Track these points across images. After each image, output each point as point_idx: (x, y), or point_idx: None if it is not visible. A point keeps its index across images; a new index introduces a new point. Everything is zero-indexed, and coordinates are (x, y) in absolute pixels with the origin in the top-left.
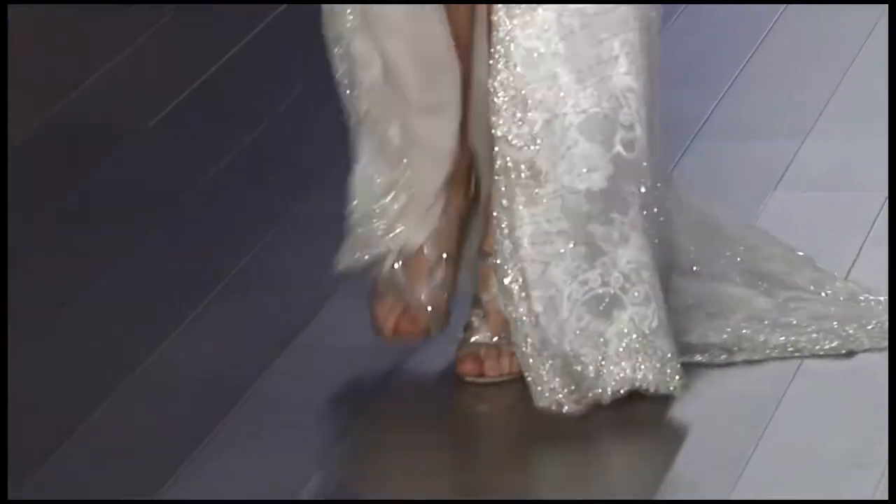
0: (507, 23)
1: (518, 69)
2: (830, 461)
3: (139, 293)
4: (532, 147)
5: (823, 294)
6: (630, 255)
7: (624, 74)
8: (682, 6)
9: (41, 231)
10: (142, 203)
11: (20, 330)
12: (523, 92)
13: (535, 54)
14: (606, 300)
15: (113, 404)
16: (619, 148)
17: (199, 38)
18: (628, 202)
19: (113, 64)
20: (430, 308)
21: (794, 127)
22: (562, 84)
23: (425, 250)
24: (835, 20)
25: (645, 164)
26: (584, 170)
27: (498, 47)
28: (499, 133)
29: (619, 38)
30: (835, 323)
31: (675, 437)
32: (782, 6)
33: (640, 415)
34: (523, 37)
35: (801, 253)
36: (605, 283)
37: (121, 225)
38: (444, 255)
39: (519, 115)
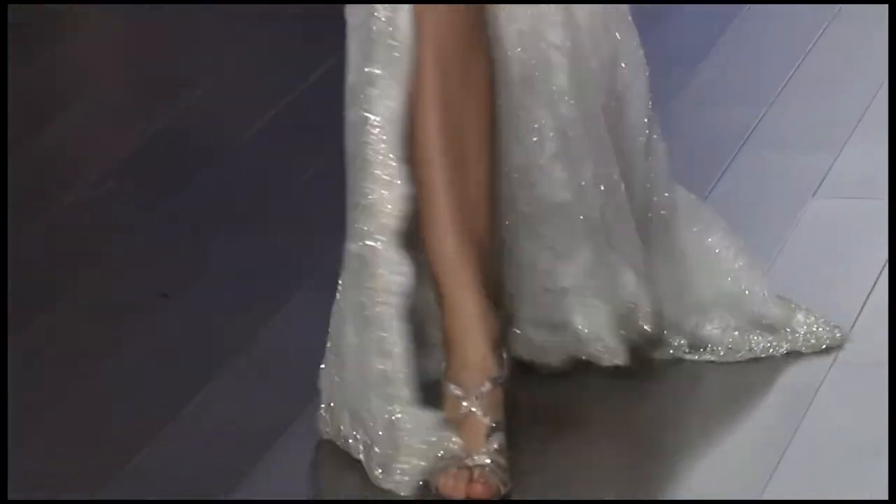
0: None
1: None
2: (861, 450)
3: (236, 287)
4: None
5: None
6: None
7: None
8: (732, 23)
9: (147, 233)
10: (237, 207)
11: (122, 326)
12: None
13: None
14: None
15: (213, 393)
16: None
17: (293, 53)
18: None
19: (212, 79)
20: (496, 467)
21: (834, 137)
22: None
23: (477, 414)
24: (879, 28)
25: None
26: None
27: None
28: None
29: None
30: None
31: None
32: (825, 22)
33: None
34: None
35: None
36: None
37: (216, 227)
38: (494, 424)
39: None
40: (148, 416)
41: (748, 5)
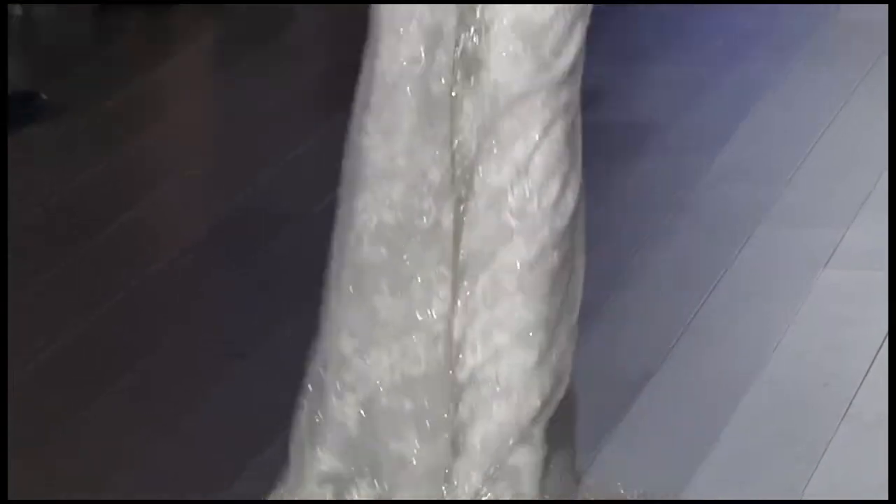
0: None
1: None
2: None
3: (307, 348)
4: None
5: None
6: None
7: None
8: (751, 110)
9: (225, 298)
10: (308, 274)
11: (201, 383)
12: None
13: None
14: None
15: (284, 446)
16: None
17: None
18: None
19: (286, 156)
20: None
21: (842, 214)
22: None
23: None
24: (881, 118)
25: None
26: None
27: None
28: None
29: None
30: None
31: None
32: (836, 111)
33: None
34: None
35: None
36: None
37: (289, 292)
38: None
39: None
40: (224, 468)
41: (767, 92)
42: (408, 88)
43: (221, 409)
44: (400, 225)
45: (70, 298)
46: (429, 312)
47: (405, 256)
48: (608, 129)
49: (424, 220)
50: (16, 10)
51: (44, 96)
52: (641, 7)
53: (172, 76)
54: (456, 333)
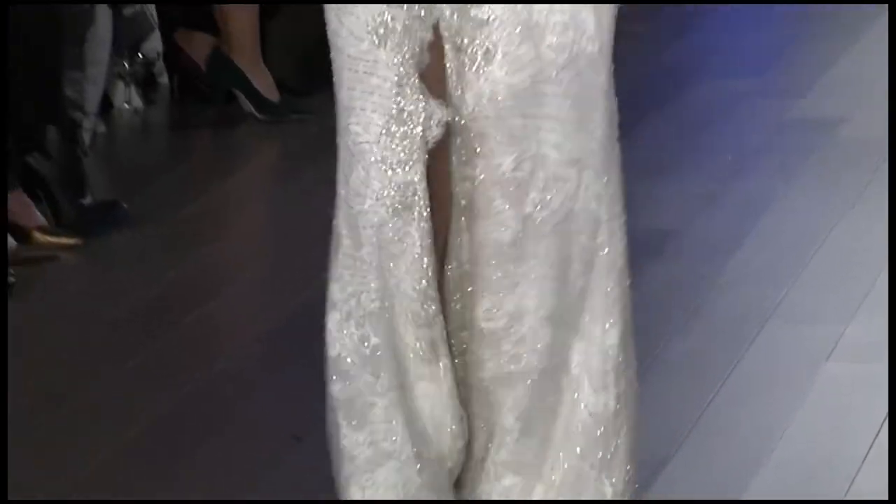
0: None
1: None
2: None
3: None
4: None
5: None
6: None
7: None
8: (763, 216)
9: (282, 385)
10: None
11: (260, 466)
12: None
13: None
14: None
15: None
16: None
17: None
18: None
19: None
20: None
21: (843, 311)
22: None
23: None
24: (880, 221)
25: None
26: None
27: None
28: None
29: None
30: None
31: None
32: (836, 220)
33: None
34: None
35: None
36: None
37: None
38: None
39: None
40: None
41: (773, 204)
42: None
43: (280, 487)
44: None
45: (151, 384)
46: None
47: None
48: (631, 235)
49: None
50: (100, 127)
51: (124, 206)
52: (661, 125)
53: (239, 189)
54: None
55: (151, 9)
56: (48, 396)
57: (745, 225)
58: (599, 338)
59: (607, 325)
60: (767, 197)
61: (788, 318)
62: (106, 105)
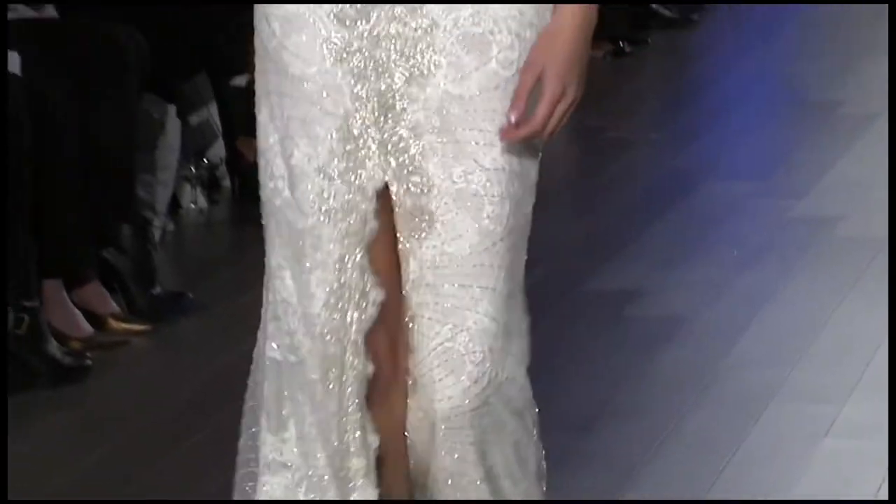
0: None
1: None
2: None
3: None
4: None
5: None
6: None
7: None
8: (772, 300)
9: None
10: None
11: None
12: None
13: None
14: None
15: None
16: None
17: None
18: None
19: None
20: None
21: (842, 390)
22: None
23: None
24: (881, 303)
25: None
26: None
27: None
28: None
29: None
30: None
31: None
32: (840, 297)
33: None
34: None
35: None
36: None
37: None
38: None
39: None
40: None
41: (775, 293)
42: None
43: None
44: None
45: (213, 456)
46: None
47: None
48: (645, 322)
49: None
50: (169, 225)
51: (190, 296)
52: (673, 223)
53: None
54: None
55: (215, 118)
56: (121, 466)
57: (750, 313)
58: None
59: None
60: (769, 288)
61: (790, 397)
62: (174, 205)
